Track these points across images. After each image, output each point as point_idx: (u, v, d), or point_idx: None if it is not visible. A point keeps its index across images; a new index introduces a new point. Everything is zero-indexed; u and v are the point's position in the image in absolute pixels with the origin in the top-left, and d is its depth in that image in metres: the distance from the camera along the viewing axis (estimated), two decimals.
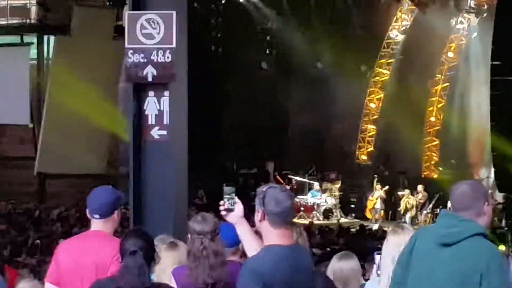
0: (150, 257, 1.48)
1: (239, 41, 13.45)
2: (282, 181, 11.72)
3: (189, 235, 1.81)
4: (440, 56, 12.70)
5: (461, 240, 1.46)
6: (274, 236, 1.48)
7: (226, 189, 1.68)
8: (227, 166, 13.28)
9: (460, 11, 11.74)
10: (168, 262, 1.93)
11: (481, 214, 1.48)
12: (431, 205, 11.25)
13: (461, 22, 12.14)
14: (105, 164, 12.63)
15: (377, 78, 13.29)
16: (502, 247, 5.80)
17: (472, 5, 11.55)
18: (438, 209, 8.40)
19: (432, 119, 13.13)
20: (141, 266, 1.42)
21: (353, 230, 10.11)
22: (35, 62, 12.99)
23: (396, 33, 12.82)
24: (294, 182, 12.28)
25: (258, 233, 1.57)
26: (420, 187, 11.68)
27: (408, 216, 11.31)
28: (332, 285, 2.13)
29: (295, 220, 4.79)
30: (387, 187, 11.82)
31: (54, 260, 2.04)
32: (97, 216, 2.00)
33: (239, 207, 1.60)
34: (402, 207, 11.53)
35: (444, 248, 1.51)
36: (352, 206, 12.78)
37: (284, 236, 1.49)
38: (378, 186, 11.78)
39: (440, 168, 13.20)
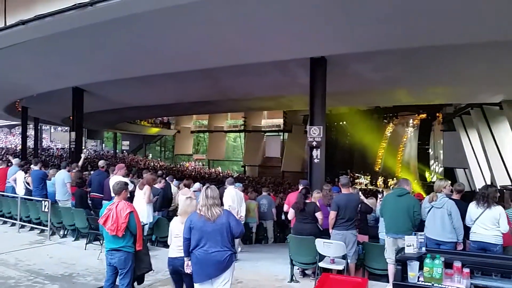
0: None
1: None
2: None
3: None
4: None
5: (404, 194, 5.35)
6: (344, 190, 5.82)
7: None
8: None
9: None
10: None
11: (409, 187, 5.62)
12: None
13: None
14: None
15: None
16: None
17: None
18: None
19: None
20: None
21: None
22: None
23: None
24: None
25: None
26: None
27: None
28: (365, 205, 6.78)
29: None
30: None
31: None
32: None
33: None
34: None
35: (399, 197, 5.36)
36: None
37: (346, 189, 5.78)
38: None
39: None
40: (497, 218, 4.89)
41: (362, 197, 6.51)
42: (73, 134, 13.91)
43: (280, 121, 33.22)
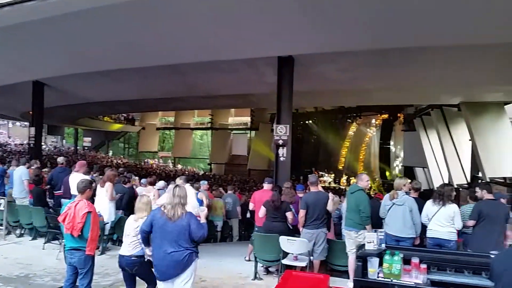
0: None
1: None
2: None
3: None
4: None
5: (355, 191, 5.51)
6: (312, 188, 5.90)
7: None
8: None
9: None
10: None
11: (364, 183, 5.63)
12: None
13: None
14: None
15: None
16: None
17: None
18: None
19: None
20: None
21: None
22: None
23: None
24: None
25: None
26: None
27: None
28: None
29: None
30: None
31: None
32: None
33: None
34: None
35: (351, 194, 5.51)
36: None
37: (314, 188, 5.86)
38: None
39: None
40: (451, 216, 5.13)
41: (331, 196, 6.58)
42: (32, 129, 13.37)
43: (247, 119, 33.28)
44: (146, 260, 4.02)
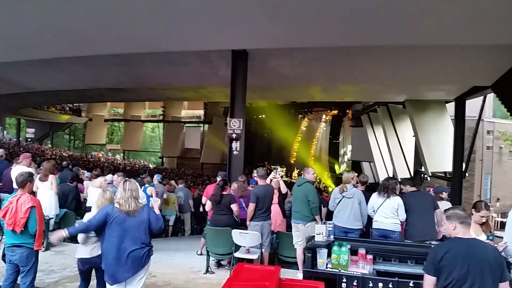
0: None
1: None
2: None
3: None
4: None
5: (302, 184, 5.80)
6: (261, 182, 6.08)
7: None
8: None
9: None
10: None
11: (310, 176, 6.03)
12: None
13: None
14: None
15: None
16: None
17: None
18: None
19: None
20: None
21: None
22: None
23: None
24: None
25: None
26: None
27: None
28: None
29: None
30: None
31: None
32: None
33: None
34: None
35: (298, 186, 5.80)
36: None
37: (263, 181, 5.99)
38: None
39: None
40: (395, 208, 5.39)
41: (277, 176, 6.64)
42: None
43: (200, 112, 32.92)
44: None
